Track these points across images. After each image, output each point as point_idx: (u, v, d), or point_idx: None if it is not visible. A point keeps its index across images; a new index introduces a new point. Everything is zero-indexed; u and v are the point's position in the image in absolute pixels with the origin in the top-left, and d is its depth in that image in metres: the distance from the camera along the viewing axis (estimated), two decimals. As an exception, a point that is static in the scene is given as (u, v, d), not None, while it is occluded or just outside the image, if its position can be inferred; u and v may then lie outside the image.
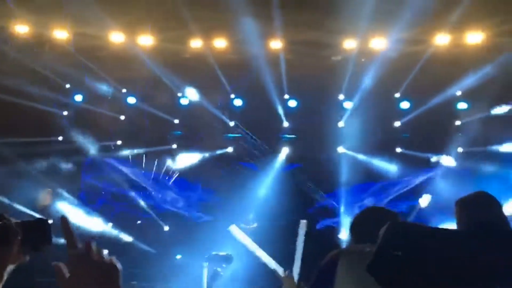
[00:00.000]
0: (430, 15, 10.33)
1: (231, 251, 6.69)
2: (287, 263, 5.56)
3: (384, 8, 10.31)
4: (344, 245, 11.07)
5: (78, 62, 11.96)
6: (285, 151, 14.15)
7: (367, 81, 12.30)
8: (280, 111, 13.51)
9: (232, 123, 13.96)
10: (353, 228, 3.46)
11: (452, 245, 2.50)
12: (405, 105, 13.16)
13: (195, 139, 14.04)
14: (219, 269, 6.95)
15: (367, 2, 10.01)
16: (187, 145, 14.11)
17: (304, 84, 12.90)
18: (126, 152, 13.85)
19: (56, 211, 12.94)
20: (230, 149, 14.25)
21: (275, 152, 14.09)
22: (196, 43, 12.06)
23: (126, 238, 13.20)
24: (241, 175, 14.04)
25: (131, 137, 13.82)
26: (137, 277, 11.89)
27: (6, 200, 11.90)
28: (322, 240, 12.10)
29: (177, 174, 14.20)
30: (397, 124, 13.41)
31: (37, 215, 12.60)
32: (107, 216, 13.56)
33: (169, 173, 14.21)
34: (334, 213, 13.47)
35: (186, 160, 14.10)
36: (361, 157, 13.36)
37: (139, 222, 13.89)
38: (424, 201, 12.68)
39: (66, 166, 13.00)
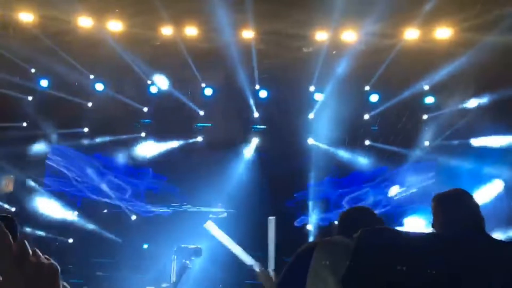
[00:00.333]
0: (401, 9, 10.43)
1: (200, 244, 6.66)
2: (257, 257, 5.55)
3: (356, 1, 10.37)
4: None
5: (44, 46, 11.60)
6: (255, 142, 14.14)
7: (338, 73, 12.37)
8: (251, 101, 13.47)
9: (202, 112, 13.86)
10: (338, 226, 3.51)
11: (424, 255, 2.52)
12: (374, 98, 13.31)
13: (164, 128, 13.87)
14: (187, 262, 6.91)
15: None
16: (156, 134, 13.94)
17: (275, 74, 12.91)
18: (92, 140, 13.58)
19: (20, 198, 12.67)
20: (199, 139, 14.15)
21: (245, 142, 14.06)
22: (167, 30, 11.86)
23: (92, 227, 13.00)
24: (210, 165, 13.96)
25: (98, 124, 13.55)
26: (104, 266, 11.77)
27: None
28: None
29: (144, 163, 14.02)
30: (367, 116, 13.55)
31: (0, 202, 12.30)
32: (72, 204, 13.34)
33: (136, 162, 14.00)
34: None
35: (154, 149, 13.95)
36: (330, 149, 13.47)
37: (105, 211, 13.68)
38: (393, 191, 12.92)
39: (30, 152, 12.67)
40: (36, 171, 13.11)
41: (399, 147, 13.00)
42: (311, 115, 13.61)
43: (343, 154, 13.46)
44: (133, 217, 13.64)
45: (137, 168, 13.98)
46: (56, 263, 1.21)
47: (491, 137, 12.06)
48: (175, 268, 6.24)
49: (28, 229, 11.46)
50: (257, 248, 6.84)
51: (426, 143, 13.10)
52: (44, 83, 12.97)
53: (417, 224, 10.59)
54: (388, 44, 11.90)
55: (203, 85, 13.38)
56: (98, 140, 13.53)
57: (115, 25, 11.63)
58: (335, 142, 13.41)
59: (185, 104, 13.51)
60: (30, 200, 12.61)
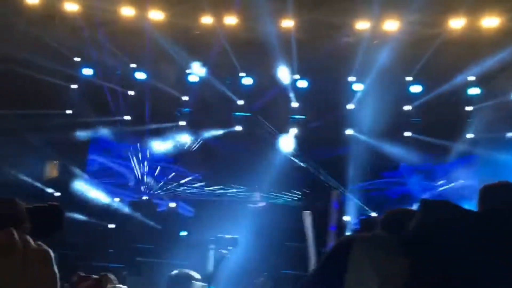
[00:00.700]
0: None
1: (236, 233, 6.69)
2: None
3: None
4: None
5: (88, 36, 11.86)
6: (293, 132, 14.08)
7: (379, 63, 12.14)
8: (290, 91, 13.39)
9: (240, 102, 13.87)
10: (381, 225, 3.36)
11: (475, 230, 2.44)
12: (416, 89, 12.99)
13: (203, 117, 13.98)
14: (225, 252, 6.97)
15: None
16: (195, 123, 14.07)
17: (315, 64, 12.75)
18: (133, 128, 13.83)
19: (63, 183, 13.03)
20: (238, 128, 14.19)
21: (284, 132, 14.02)
22: (206, 20, 11.90)
23: (131, 213, 13.28)
24: (249, 154, 14.02)
25: (139, 113, 13.78)
26: (144, 252, 12.01)
27: (15, 173, 12.00)
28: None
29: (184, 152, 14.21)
30: (408, 108, 13.26)
31: (45, 188, 12.71)
32: (113, 190, 13.65)
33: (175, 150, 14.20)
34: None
35: (193, 137, 14.11)
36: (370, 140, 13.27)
37: (145, 198, 13.95)
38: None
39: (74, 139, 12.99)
40: (79, 158, 13.46)
41: (442, 139, 12.63)
42: (350, 106, 13.43)
43: (384, 145, 13.22)
44: (173, 205, 13.86)
45: (175, 156, 14.18)
46: (47, 249, 1.22)
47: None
48: (212, 258, 6.30)
49: (71, 214, 11.77)
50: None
51: (470, 135, 12.73)
52: (87, 71, 13.25)
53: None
54: (432, 34, 11.58)
55: (242, 74, 13.36)
56: (138, 128, 13.76)
57: (156, 15, 11.75)
58: (375, 133, 13.19)
59: (224, 93, 13.54)
60: (73, 185, 12.97)
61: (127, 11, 11.69)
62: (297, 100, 13.66)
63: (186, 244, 11.70)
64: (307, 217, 5.12)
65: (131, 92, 13.71)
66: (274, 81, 13.06)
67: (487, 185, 2.91)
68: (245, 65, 13.12)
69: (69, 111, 13.45)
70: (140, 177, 13.95)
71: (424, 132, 13.01)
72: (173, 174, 14.18)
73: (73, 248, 11.13)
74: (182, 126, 14.14)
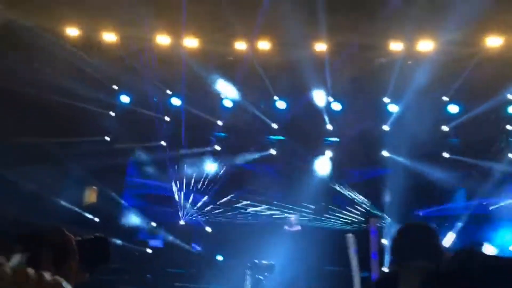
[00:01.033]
0: (481, 16, 9.95)
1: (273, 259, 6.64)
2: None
3: (432, 9, 10.03)
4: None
5: (125, 64, 12.18)
6: (328, 155, 14.00)
7: (414, 84, 12.00)
8: (324, 113, 13.36)
9: (275, 125, 13.90)
10: (396, 242, 3.31)
11: None
12: (454, 109, 12.74)
13: (237, 141, 14.07)
14: (261, 278, 6.91)
15: (414, 4, 9.76)
16: (230, 147, 14.18)
17: (349, 87, 12.70)
18: (169, 153, 14.02)
19: (102, 209, 13.24)
20: (273, 151, 14.20)
21: (318, 155, 13.96)
22: (240, 45, 12.06)
23: (169, 237, 13.36)
24: (284, 178, 14.02)
25: (175, 138, 13.99)
26: (180, 277, 12.03)
27: (56, 200, 12.28)
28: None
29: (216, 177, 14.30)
30: (446, 128, 13.00)
31: (84, 213, 12.95)
32: (150, 215, 13.79)
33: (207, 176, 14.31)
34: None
35: (227, 161, 14.20)
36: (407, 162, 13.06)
37: (182, 222, 14.04)
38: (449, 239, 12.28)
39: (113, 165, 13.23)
40: (118, 183, 13.70)
41: (481, 160, 12.30)
42: (386, 127, 13.27)
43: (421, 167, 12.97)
44: (208, 229, 13.90)
45: (211, 180, 14.28)
46: (59, 283, 1.20)
47: None
48: (249, 284, 6.26)
49: (110, 239, 11.94)
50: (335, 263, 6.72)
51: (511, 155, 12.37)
52: (125, 99, 13.55)
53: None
54: (468, 53, 11.40)
55: (275, 98, 13.42)
56: (175, 153, 13.95)
57: (191, 42, 11.97)
58: (411, 154, 12.98)
59: (258, 117, 13.61)
60: (112, 211, 13.18)
61: (163, 39, 11.96)
62: (332, 123, 13.59)
63: (222, 269, 11.69)
64: (351, 240, 5.03)
65: (167, 118, 13.93)
66: (308, 105, 13.05)
67: None
68: (278, 89, 13.18)
69: (107, 138, 13.75)
70: (177, 201, 14.07)
71: (463, 153, 12.71)
72: (206, 198, 14.26)
73: (111, 273, 11.24)
74: (217, 150, 14.25)
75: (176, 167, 14.09)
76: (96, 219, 13.06)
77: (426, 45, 11.48)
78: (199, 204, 14.22)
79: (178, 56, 12.08)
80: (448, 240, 11.96)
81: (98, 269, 1.39)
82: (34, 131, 11.52)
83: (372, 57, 12.09)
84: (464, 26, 10.15)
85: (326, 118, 13.47)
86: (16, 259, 1.16)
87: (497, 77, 11.43)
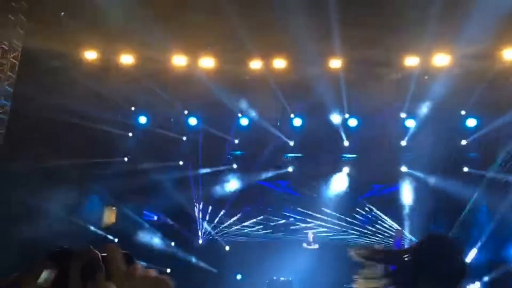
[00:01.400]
0: (497, 29, 9.92)
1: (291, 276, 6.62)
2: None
3: (448, 23, 10.03)
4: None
5: (143, 85, 12.34)
6: (345, 171, 13.95)
7: (431, 98, 11.96)
8: (341, 130, 13.34)
9: (292, 143, 13.91)
10: (417, 255, 3.24)
11: None
12: (471, 122, 12.63)
13: (255, 159, 14.10)
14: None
15: (429, 18, 9.77)
16: (247, 165, 14.21)
17: (365, 102, 12.69)
18: (188, 172, 14.09)
19: (121, 229, 13.32)
20: (290, 169, 14.20)
21: (336, 172, 13.92)
22: (255, 64, 12.16)
23: (187, 257, 13.37)
24: (301, 195, 14.00)
25: (192, 157, 14.08)
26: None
27: (78, 221, 12.39)
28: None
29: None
30: (464, 142, 12.88)
31: (104, 233, 13.04)
32: (169, 234, 13.82)
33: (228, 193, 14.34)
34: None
35: (245, 179, 14.23)
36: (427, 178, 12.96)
37: (200, 242, 14.06)
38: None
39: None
40: (137, 203, 13.79)
41: (502, 173, 12.11)
42: (403, 142, 13.20)
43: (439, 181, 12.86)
44: (227, 248, 13.89)
45: (229, 199, 14.30)
46: (170, 280, 1.25)
47: None
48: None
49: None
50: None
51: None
52: (143, 119, 13.71)
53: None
54: (485, 66, 11.33)
55: (292, 115, 13.46)
56: (193, 172, 14.03)
57: (207, 62, 12.11)
58: (430, 169, 12.88)
59: (275, 135, 13.64)
60: (131, 231, 13.26)
61: (180, 60, 12.12)
62: (348, 139, 13.56)
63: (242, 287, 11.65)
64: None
65: (184, 138, 14.03)
66: (324, 121, 13.05)
67: None
68: (294, 106, 13.22)
69: (126, 158, 13.89)
70: (196, 221, 14.11)
71: (483, 167, 12.56)
72: (224, 216, 14.26)
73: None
74: (235, 168, 14.29)
75: (194, 186, 14.13)
76: (116, 240, 13.12)
77: (442, 59, 11.45)
78: (218, 223, 14.22)
79: (195, 76, 12.21)
80: (470, 256, 11.78)
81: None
82: (54, 154, 11.69)
83: (387, 72, 12.09)
84: (480, 39, 10.12)
85: (343, 135, 13.44)
86: (45, 274, 1.20)
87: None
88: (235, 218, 14.30)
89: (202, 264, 13.25)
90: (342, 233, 13.70)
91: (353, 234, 13.72)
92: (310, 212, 13.77)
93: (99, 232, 13.40)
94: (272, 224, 14.10)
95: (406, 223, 13.17)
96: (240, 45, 11.23)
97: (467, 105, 12.35)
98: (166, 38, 11.06)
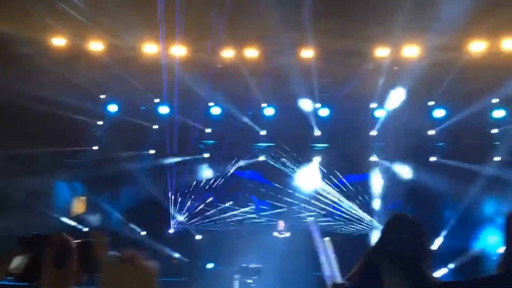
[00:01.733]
0: (464, 22, 10.13)
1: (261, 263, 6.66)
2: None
3: (417, 15, 10.19)
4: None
5: (113, 73, 12.16)
6: (317, 161, 14.08)
7: (400, 89, 12.16)
8: (312, 119, 13.44)
9: (263, 132, 13.95)
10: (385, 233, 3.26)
11: None
12: (439, 113, 12.90)
13: (226, 148, 14.10)
14: (249, 281, 6.93)
15: (399, 10, 9.91)
16: (219, 154, 14.20)
17: (336, 92, 12.82)
18: (158, 162, 13.99)
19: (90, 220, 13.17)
20: (261, 158, 14.25)
21: (307, 161, 14.03)
22: (227, 53, 12.13)
23: (158, 246, 13.31)
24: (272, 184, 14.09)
25: (164, 146, 13.98)
26: (170, 286, 11.97)
27: (47, 210, 12.19)
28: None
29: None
30: (432, 132, 13.16)
31: (72, 223, 12.87)
32: (140, 223, 13.73)
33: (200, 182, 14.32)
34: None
35: (216, 169, 14.23)
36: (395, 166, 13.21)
37: (171, 231, 14.01)
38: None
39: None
40: (107, 193, 13.63)
41: (467, 163, 12.42)
42: (373, 132, 13.40)
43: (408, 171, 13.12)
44: (198, 237, 13.87)
45: (201, 188, 14.29)
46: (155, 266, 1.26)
47: None
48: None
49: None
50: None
51: (497, 158, 12.53)
52: (113, 108, 13.51)
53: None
54: (453, 58, 11.58)
55: (264, 105, 13.48)
56: (164, 161, 13.93)
57: (179, 50, 12.01)
58: (399, 159, 13.12)
59: (247, 124, 13.65)
60: (101, 220, 13.11)
61: (150, 48, 11.99)
62: (319, 129, 13.68)
63: (213, 276, 11.66)
64: (328, 244, 5.05)
65: (155, 126, 13.91)
66: (296, 111, 13.12)
67: None
68: (266, 95, 13.24)
69: (95, 147, 13.71)
70: (167, 210, 14.03)
71: (450, 157, 12.86)
72: (196, 205, 14.24)
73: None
74: (206, 157, 14.26)
75: (166, 176, 14.04)
76: (85, 229, 12.96)
77: (411, 51, 11.64)
78: (189, 212, 14.19)
79: (166, 64, 12.10)
80: (436, 243, 12.07)
81: (96, 272, 1.42)
82: (22, 142, 11.44)
83: (358, 63, 12.22)
84: (448, 31, 10.33)
85: (314, 124, 13.55)
86: (17, 259, 1.19)
87: (482, 81, 11.60)
88: (206, 207, 14.28)
89: (173, 253, 13.22)
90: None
91: (326, 222, 13.87)
92: (281, 201, 13.86)
93: (68, 221, 13.20)
94: (243, 212, 14.14)
95: (375, 212, 13.40)
96: (212, 34, 11.19)
97: (435, 96, 12.61)
98: (136, 25, 10.92)
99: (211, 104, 13.57)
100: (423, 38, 11.22)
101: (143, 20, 10.91)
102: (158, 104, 13.55)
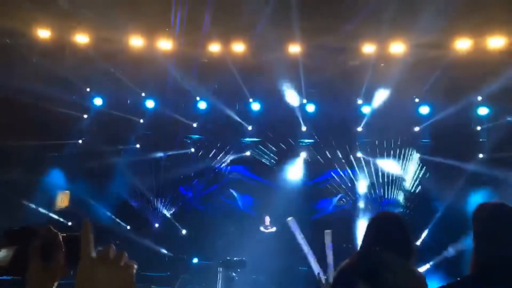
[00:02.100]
0: (450, 20, 10.21)
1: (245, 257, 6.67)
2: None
3: (404, 13, 10.24)
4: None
5: (98, 66, 12.04)
6: (303, 156, 14.12)
7: (386, 85, 12.22)
8: (299, 115, 13.46)
9: (249, 127, 13.95)
10: (369, 231, 3.26)
11: None
12: (424, 110, 13.00)
13: (212, 143, 14.09)
14: (233, 274, 6.93)
15: (386, 7, 9.95)
16: (205, 149, 14.18)
17: (323, 88, 12.85)
18: (144, 155, 13.92)
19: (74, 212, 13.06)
20: (248, 153, 14.26)
21: (293, 156, 14.07)
22: (214, 47, 12.09)
23: (144, 240, 13.25)
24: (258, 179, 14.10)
25: (149, 141, 13.92)
26: (155, 280, 11.94)
27: (27, 203, 12.06)
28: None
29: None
30: (417, 129, 13.27)
31: (55, 216, 12.76)
32: (125, 217, 13.66)
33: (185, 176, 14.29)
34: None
35: (202, 163, 14.21)
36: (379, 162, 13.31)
37: (157, 225, 13.97)
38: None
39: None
40: (92, 186, 13.51)
41: (452, 159, 12.54)
42: (359, 128, 13.47)
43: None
44: (183, 231, 13.86)
45: (187, 182, 14.27)
46: (135, 264, 1.25)
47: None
48: (221, 280, 6.31)
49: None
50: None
51: (481, 155, 12.69)
52: (98, 101, 13.40)
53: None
54: (438, 55, 11.66)
55: (250, 100, 13.47)
56: (149, 155, 13.86)
57: (165, 44, 11.93)
58: (385, 155, 13.23)
59: (233, 119, 13.63)
60: (86, 214, 13.01)
61: (136, 41, 11.89)
62: (306, 124, 13.71)
63: (197, 271, 11.67)
64: (328, 235, 5.05)
65: (141, 120, 13.83)
66: (282, 106, 13.13)
67: (479, 210, 2.60)
68: (253, 91, 13.23)
69: (80, 141, 13.59)
70: (153, 205, 13.98)
71: (434, 153, 12.99)
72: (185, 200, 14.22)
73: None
74: (192, 152, 14.23)
75: (151, 170, 13.97)
76: (69, 223, 12.85)
77: (397, 48, 11.70)
78: (175, 206, 14.16)
79: (152, 58, 12.01)
80: (420, 239, 12.20)
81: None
82: (4, 135, 11.29)
83: (345, 59, 12.25)
84: (433, 29, 10.40)
85: (301, 120, 13.58)
86: (3, 252, 1.17)
87: (466, 79, 11.71)
88: (191, 201, 14.26)
89: (158, 247, 13.18)
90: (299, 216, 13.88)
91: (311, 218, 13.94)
92: (267, 196, 13.88)
93: (52, 215, 13.08)
94: (229, 207, 14.15)
95: (360, 208, 13.49)
96: (199, 28, 11.12)
97: (420, 93, 12.70)
98: (123, 18, 10.82)
99: (197, 98, 13.52)
100: (408, 35, 11.27)
101: (130, 13, 10.80)
102: (144, 98, 13.47)
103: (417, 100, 12.98)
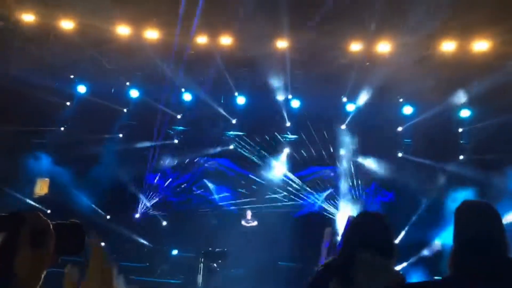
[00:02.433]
0: (437, 21, 10.30)
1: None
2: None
3: (391, 13, 10.30)
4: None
5: (83, 54, 11.89)
6: (286, 151, 14.15)
7: (371, 84, 12.29)
8: (283, 111, 13.48)
9: (234, 121, 13.93)
10: (349, 231, 3.28)
11: None
12: (408, 110, 13.11)
13: (196, 135, 14.03)
14: (215, 265, 6.94)
15: (374, 7, 10.01)
16: (189, 141, 14.12)
17: (308, 85, 12.87)
18: (127, 145, 13.81)
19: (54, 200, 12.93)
20: (231, 147, 14.24)
21: (276, 151, 14.10)
22: (202, 39, 12.00)
23: (124, 231, 13.18)
24: (241, 173, 14.10)
25: (133, 130, 13.81)
26: (133, 271, 11.90)
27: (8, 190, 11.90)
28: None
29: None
30: (400, 129, 13.38)
31: (36, 204, 12.61)
32: (105, 207, 13.55)
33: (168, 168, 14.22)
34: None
35: (186, 155, 14.15)
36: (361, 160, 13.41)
37: (137, 216, 13.89)
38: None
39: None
40: (73, 174, 13.37)
41: (433, 160, 12.69)
42: (343, 126, 13.54)
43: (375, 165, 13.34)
44: (164, 223, 13.80)
45: (169, 173, 14.20)
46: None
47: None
48: (202, 272, 6.32)
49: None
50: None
51: (461, 157, 12.85)
52: (82, 89, 13.24)
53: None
54: (423, 56, 11.75)
55: (236, 93, 13.43)
56: (132, 145, 13.75)
57: (152, 34, 11.82)
58: (367, 153, 13.32)
59: (218, 112, 13.60)
60: (65, 202, 12.86)
61: (123, 30, 11.75)
62: (290, 120, 13.74)
63: (178, 263, 11.64)
64: (328, 233, 5.08)
65: (124, 110, 13.71)
66: (268, 101, 13.13)
67: (461, 208, 2.62)
68: (239, 84, 13.20)
69: (62, 128, 13.43)
70: (134, 195, 13.89)
71: (416, 153, 13.12)
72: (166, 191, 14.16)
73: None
74: (176, 143, 14.17)
75: (134, 160, 13.86)
76: (48, 211, 12.71)
77: (383, 47, 11.75)
78: (155, 197, 14.09)
79: (138, 48, 11.89)
80: (398, 237, 12.32)
81: (71, 255, 1.39)
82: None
83: (332, 56, 12.27)
84: (420, 30, 10.48)
85: (285, 115, 13.60)
86: None
87: (450, 80, 11.84)
88: (172, 192, 14.22)
89: (137, 238, 13.12)
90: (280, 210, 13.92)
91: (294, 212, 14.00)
92: (249, 189, 13.91)
93: (30, 202, 12.92)
94: (210, 200, 14.14)
95: (341, 205, 13.56)
96: (187, 19, 11.04)
97: (404, 93, 12.80)
98: (110, 6, 10.69)
99: (182, 90, 13.45)
100: (394, 35, 11.34)
101: (117, 1, 10.68)
102: (128, 87, 13.35)
103: (401, 100, 13.08)
